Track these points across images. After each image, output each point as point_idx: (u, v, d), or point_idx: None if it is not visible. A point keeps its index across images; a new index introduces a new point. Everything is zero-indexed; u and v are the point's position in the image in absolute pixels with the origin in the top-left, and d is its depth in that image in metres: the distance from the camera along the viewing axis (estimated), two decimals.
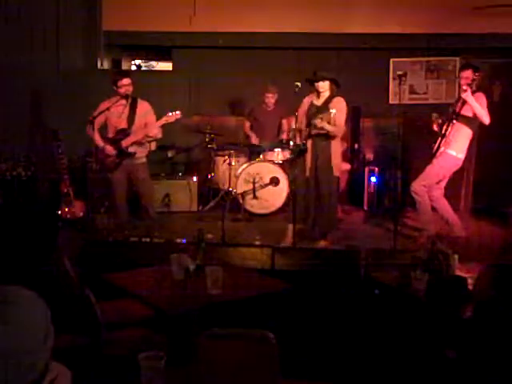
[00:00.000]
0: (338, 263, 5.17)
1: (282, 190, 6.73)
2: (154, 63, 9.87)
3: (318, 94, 5.43)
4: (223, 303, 3.13)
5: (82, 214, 5.94)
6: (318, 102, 5.42)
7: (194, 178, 7.25)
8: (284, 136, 6.96)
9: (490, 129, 5.47)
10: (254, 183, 6.75)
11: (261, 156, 6.94)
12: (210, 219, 6.47)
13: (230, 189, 6.77)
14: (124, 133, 5.53)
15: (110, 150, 5.55)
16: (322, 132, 5.27)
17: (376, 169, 7.38)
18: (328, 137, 5.32)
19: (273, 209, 6.75)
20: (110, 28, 8.01)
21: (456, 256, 3.54)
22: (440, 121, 5.62)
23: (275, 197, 6.68)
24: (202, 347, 2.23)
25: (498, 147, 6.81)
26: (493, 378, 2.63)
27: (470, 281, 3.25)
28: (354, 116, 7.76)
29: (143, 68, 9.66)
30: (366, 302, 4.00)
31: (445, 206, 5.66)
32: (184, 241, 5.38)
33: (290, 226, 5.48)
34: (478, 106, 5.28)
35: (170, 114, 5.44)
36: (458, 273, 3.48)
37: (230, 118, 8.13)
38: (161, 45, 8.37)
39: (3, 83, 6.92)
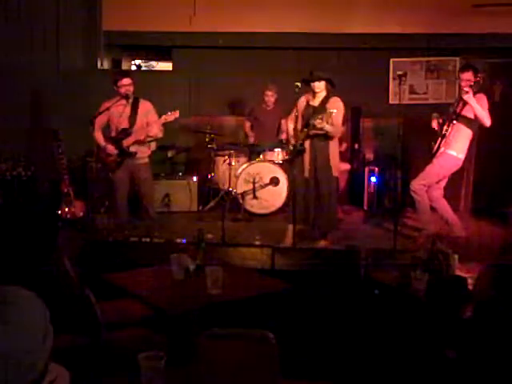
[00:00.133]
0: (338, 263, 5.17)
1: (282, 190, 6.73)
2: (154, 63, 9.88)
3: (314, 94, 5.42)
4: (223, 303, 3.13)
5: (82, 213, 5.94)
6: (315, 102, 5.41)
7: (194, 178, 7.25)
8: (283, 136, 6.96)
9: (490, 129, 5.46)
10: (254, 183, 6.75)
11: (261, 156, 6.94)
12: (210, 219, 6.47)
13: (230, 189, 6.77)
14: (125, 132, 5.53)
15: (111, 149, 5.56)
16: (320, 132, 5.25)
17: (376, 169, 7.38)
18: (326, 137, 5.31)
19: (273, 209, 6.75)
20: (110, 28, 8.01)
21: (456, 256, 3.54)
22: (440, 121, 5.62)
23: (275, 197, 6.68)
24: (202, 347, 2.23)
25: (497, 147, 6.80)
26: (493, 378, 2.63)
27: (470, 281, 3.25)
28: (353, 116, 7.76)
29: (143, 68, 9.66)
30: (365, 302, 4.00)
31: (444, 207, 5.66)
32: (184, 241, 5.38)
33: (290, 226, 5.47)
34: (479, 108, 5.27)
35: (169, 113, 5.45)
36: (458, 273, 3.48)
37: (229, 118, 8.13)
38: (161, 45, 8.37)
39: (3, 83, 6.92)
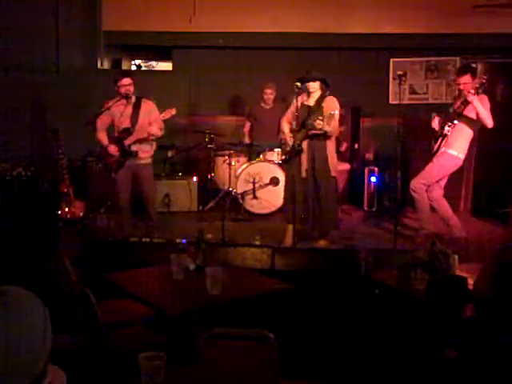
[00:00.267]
0: (338, 263, 5.17)
1: (282, 190, 6.71)
2: (154, 63, 9.88)
3: (309, 93, 5.40)
4: (223, 303, 3.13)
5: (81, 213, 5.94)
6: (310, 102, 5.38)
7: (194, 178, 7.25)
8: (283, 136, 6.95)
9: (490, 129, 5.46)
10: (253, 183, 6.76)
11: (261, 156, 6.94)
12: (210, 219, 6.48)
13: (230, 189, 6.77)
14: (127, 132, 5.54)
15: (112, 149, 5.56)
16: (319, 132, 5.24)
17: (376, 169, 7.38)
18: (324, 137, 5.30)
19: (273, 209, 6.75)
20: (110, 28, 8.01)
21: (456, 256, 3.53)
22: (441, 120, 5.62)
23: (275, 197, 6.68)
24: (202, 347, 2.23)
25: (498, 147, 6.80)
26: (493, 378, 2.63)
27: (470, 281, 3.25)
28: (353, 116, 7.76)
29: (143, 68, 9.66)
30: (366, 302, 4.00)
31: (444, 207, 5.66)
32: (184, 241, 5.37)
33: (290, 226, 5.47)
34: (482, 110, 5.28)
35: (166, 111, 5.47)
36: (458, 273, 3.48)
37: (229, 118, 8.13)
38: (161, 45, 8.37)
39: (3, 83, 6.92)
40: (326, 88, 5.42)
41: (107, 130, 5.68)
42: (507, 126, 6.29)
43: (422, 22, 7.62)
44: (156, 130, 5.52)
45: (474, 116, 5.39)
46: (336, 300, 4.36)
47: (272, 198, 6.72)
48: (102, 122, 5.62)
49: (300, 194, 5.32)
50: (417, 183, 5.60)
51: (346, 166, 6.90)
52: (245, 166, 6.87)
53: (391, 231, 5.47)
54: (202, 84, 8.13)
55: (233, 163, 6.80)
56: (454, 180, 6.02)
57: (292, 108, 5.53)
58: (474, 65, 6.80)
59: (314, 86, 5.36)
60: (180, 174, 7.43)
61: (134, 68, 9.47)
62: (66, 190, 5.94)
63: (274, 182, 6.73)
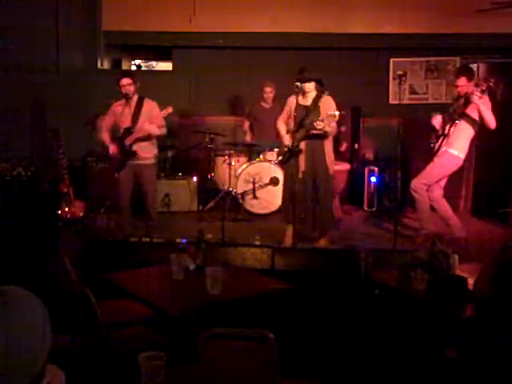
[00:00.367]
0: (338, 263, 5.17)
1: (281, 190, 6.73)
2: (153, 63, 9.88)
3: (304, 93, 5.38)
4: (223, 303, 3.13)
5: (81, 213, 5.94)
6: (306, 102, 5.34)
7: (194, 178, 7.25)
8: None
9: (490, 129, 5.47)
10: (253, 183, 6.76)
11: (261, 156, 6.94)
12: (210, 219, 6.48)
13: (230, 189, 6.77)
14: (128, 132, 5.54)
15: (114, 148, 5.57)
16: (320, 133, 5.23)
17: (376, 169, 7.38)
18: (321, 136, 5.29)
19: (273, 209, 6.75)
20: (110, 28, 8.01)
21: (456, 256, 3.53)
22: (443, 119, 5.62)
23: (275, 197, 6.68)
24: (202, 347, 2.23)
25: (498, 147, 6.80)
26: (493, 378, 2.63)
27: (470, 281, 3.25)
28: (353, 116, 7.76)
29: (143, 68, 9.67)
30: (366, 302, 4.00)
31: (445, 207, 5.66)
32: (184, 241, 5.37)
33: (290, 227, 5.47)
34: (487, 113, 5.28)
35: (163, 110, 5.47)
36: (458, 273, 3.48)
37: (229, 118, 8.13)
38: (161, 45, 8.38)
39: (3, 83, 6.91)
40: (321, 87, 5.39)
41: (111, 130, 5.70)
42: (507, 126, 6.29)
43: (421, 22, 7.63)
44: (154, 128, 5.50)
45: (476, 116, 5.39)
46: (336, 300, 4.36)
47: (272, 198, 6.72)
48: (105, 122, 5.66)
49: (299, 195, 5.31)
50: (417, 183, 5.60)
51: (346, 166, 6.90)
52: (245, 165, 6.87)
53: (391, 231, 5.47)
54: (202, 84, 8.13)
55: (233, 163, 6.80)
56: (454, 180, 6.02)
57: (287, 108, 5.51)
58: (474, 65, 6.80)
59: (310, 87, 5.33)
60: (180, 174, 7.43)
61: (134, 68, 9.47)
62: (66, 190, 5.94)
63: (274, 181, 6.73)
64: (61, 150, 5.97)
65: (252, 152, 7.12)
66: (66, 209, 5.93)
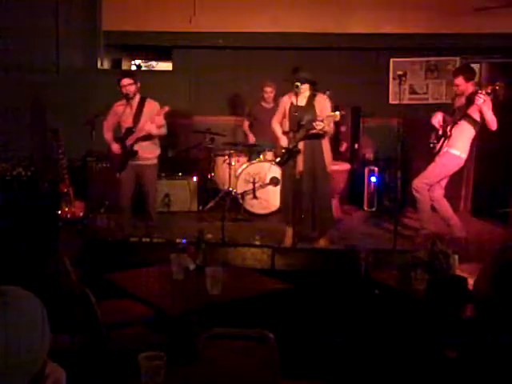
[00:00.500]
0: (338, 263, 5.17)
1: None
2: (153, 63, 9.88)
3: (297, 93, 5.33)
4: (223, 303, 3.13)
5: (81, 213, 5.94)
6: (301, 102, 5.27)
7: (194, 178, 7.25)
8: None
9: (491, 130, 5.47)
10: (254, 183, 6.76)
11: (261, 156, 6.94)
12: (210, 219, 6.48)
13: (230, 189, 6.77)
14: (129, 132, 5.54)
15: (115, 148, 5.58)
16: (320, 133, 5.22)
17: (376, 169, 7.38)
18: (320, 136, 5.28)
19: (273, 209, 6.75)
20: (110, 28, 8.01)
21: (456, 256, 3.53)
22: (443, 118, 5.61)
23: (275, 197, 6.67)
24: (202, 347, 2.23)
25: (498, 147, 6.80)
26: (493, 378, 2.63)
27: (470, 281, 3.25)
28: (353, 116, 7.76)
29: (143, 68, 9.67)
30: (366, 302, 4.00)
31: (445, 207, 5.66)
32: (184, 241, 5.37)
33: (290, 227, 5.47)
34: (490, 115, 5.28)
35: (161, 109, 5.47)
36: (458, 273, 3.48)
37: (229, 118, 8.13)
38: (161, 45, 8.37)
39: (3, 83, 6.91)
40: (314, 86, 5.37)
41: (114, 130, 5.70)
42: (507, 127, 6.29)
43: (421, 22, 7.62)
44: (153, 128, 5.48)
45: (477, 117, 5.40)
46: (336, 300, 4.36)
47: (272, 198, 6.72)
48: (108, 122, 5.67)
49: (298, 195, 5.29)
50: (419, 183, 5.60)
51: (346, 166, 6.90)
52: (245, 165, 6.87)
53: (391, 231, 5.47)
54: (202, 84, 8.13)
55: (233, 163, 6.80)
56: (454, 180, 6.02)
57: (281, 109, 5.49)
58: (476, 65, 6.79)
59: (304, 87, 5.32)
60: (180, 174, 7.44)
61: (134, 68, 9.47)
62: (66, 190, 5.94)
63: (274, 181, 6.73)
64: (61, 150, 5.97)
65: (252, 152, 7.12)
66: (66, 209, 5.93)
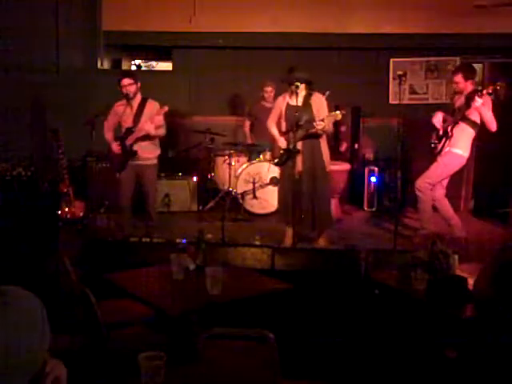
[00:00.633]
0: (338, 263, 5.17)
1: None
2: (154, 63, 9.88)
3: (292, 93, 5.29)
4: (223, 303, 3.13)
5: (81, 213, 5.94)
6: (297, 102, 5.20)
7: (194, 178, 7.25)
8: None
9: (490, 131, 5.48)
10: (254, 183, 6.75)
11: (261, 156, 6.93)
12: (210, 219, 6.47)
13: (230, 189, 6.77)
14: (129, 132, 5.54)
15: (115, 147, 5.58)
16: (320, 132, 5.22)
17: (376, 169, 7.38)
18: (318, 136, 5.28)
19: (273, 209, 6.74)
20: (110, 28, 8.01)
21: (456, 256, 3.54)
22: (444, 118, 5.61)
23: (275, 197, 6.66)
24: (202, 347, 2.23)
25: (498, 147, 6.80)
26: (493, 378, 2.63)
27: (470, 281, 3.25)
28: (353, 116, 7.76)
29: (143, 68, 9.67)
30: (366, 302, 4.00)
31: (446, 206, 5.66)
32: (184, 241, 5.37)
33: (289, 227, 5.46)
34: (488, 116, 5.28)
35: (160, 109, 5.47)
36: (458, 273, 3.48)
37: (229, 118, 8.13)
38: (161, 45, 8.38)
39: (3, 83, 6.92)
40: (310, 85, 5.35)
41: (115, 130, 5.70)
42: (507, 127, 6.29)
43: (421, 22, 7.63)
44: (152, 128, 5.46)
45: (476, 118, 5.40)
46: (336, 300, 4.36)
47: (272, 198, 6.71)
48: (108, 122, 5.67)
49: (298, 195, 5.28)
50: (422, 183, 5.59)
51: (346, 166, 6.89)
52: (245, 165, 6.87)
53: (391, 231, 5.47)
54: (202, 84, 8.13)
55: (233, 163, 6.80)
56: (454, 180, 6.03)
57: (277, 110, 5.47)
58: (479, 65, 6.78)
59: (301, 86, 5.30)
60: (180, 174, 7.44)
61: (134, 68, 9.47)
62: (65, 190, 5.94)
63: (274, 181, 6.72)
64: (61, 150, 5.97)
65: (252, 152, 7.12)
66: (66, 209, 5.93)
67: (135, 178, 5.66)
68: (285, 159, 5.36)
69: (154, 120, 5.46)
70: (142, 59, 9.68)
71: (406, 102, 7.58)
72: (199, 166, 7.58)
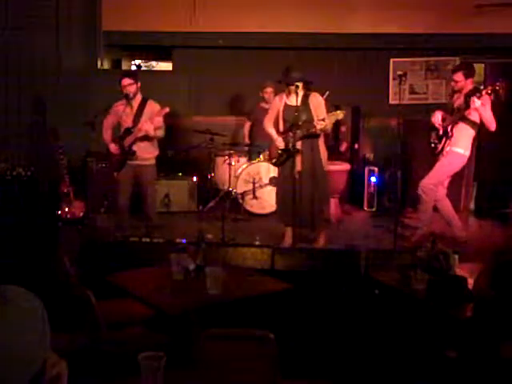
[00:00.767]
0: (338, 263, 5.17)
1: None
2: (154, 63, 9.88)
3: (290, 93, 5.28)
4: (223, 303, 3.13)
5: (81, 214, 5.95)
6: (295, 102, 5.17)
7: (194, 178, 7.25)
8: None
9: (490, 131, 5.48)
10: (253, 183, 6.75)
11: (261, 156, 6.93)
12: (210, 219, 6.47)
13: (230, 189, 6.76)
14: (128, 132, 5.54)
15: (113, 148, 5.57)
16: (316, 132, 5.21)
17: (376, 169, 7.38)
18: (317, 136, 5.27)
19: (272, 209, 6.73)
20: (110, 28, 8.00)
21: (456, 256, 3.54)
22: (443, 118, 5.61)
23: (275, 197, 6.67)
24: (202, 347, 2.23)
25: (498, 147, 6.81)
26: (493, 378, 2.63)
27: (470, 281, 3.25)
28: (354, 116, 7.76)
29: (143, 68, 9.66)
30: (366, 302, 4.00)
31: (448, 207, 5.66)
32: (184, 241, 5.38)
33: (289, 227, 5.46)
34: (488, 116, 5.28)
35: (161, 110, 5.47)
36: (458, 273, 3.48)
37: (230, 118, 8.13)
38: (161, 45, 8.37)
39: (3, 83, 6.92)
40: (308, 85, 5.34)
41: (113, 129, 5.69)
42: (508, 126, 6.29)
43: (421, 22, 7.62)
44: (151, 129, 5.46)
45: (476, 118, 5.40)
46: (336, 300, 4.36)
47: (272, 198, 6.69)
48: (107, 121, 5.66)
49: (298, 195, 5.26)
50: (427, 184, 5.58)
51: (346, 166, 6.89)
52: (245, 165, 6.87)
53: (391, 231, 5.47)
54: (202, 84, 8.12)
55: (233, 163, 6.79)
56: (455, 180, 6.02)
57: (274, 110, 5.46)
58: (481, 65, 6.77)
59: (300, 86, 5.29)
60: (180, 174, 7.43)
61: (134, 68, 9.46)
62: (66, 190, 5.94)
63: (274, 182, 6.71)
64: (61, 150, 5.98)
65: (252, 152, 7.12)
66: (66, 209, 5.93)
67: (133, 178, 5.65)
68: (283, 159, 5.35)
69: (153, 121, 5.46)
70: (142, 59, 9.67)
71: (405, 102, 7.58)
72: (199, 166, 7.57)
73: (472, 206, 7.25)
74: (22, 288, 1.24)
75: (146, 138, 5.54)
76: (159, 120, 5.49)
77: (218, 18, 7.82)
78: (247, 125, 7.44)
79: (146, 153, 5.61)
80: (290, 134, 5.23)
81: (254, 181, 6.75)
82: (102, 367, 2.74)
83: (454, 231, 5.57)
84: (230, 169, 6.70)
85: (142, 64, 9.71)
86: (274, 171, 6.71)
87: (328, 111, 5.27)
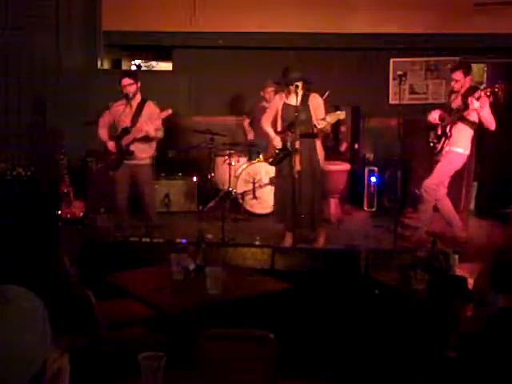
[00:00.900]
0: (337, 263, 5.17)
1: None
2: (154, 63, 9.88)
3: (290, 93, 5.29)
4: (223, 303, 3.13)
5: (81, 214, 5.95)
6: (295, 102, 5.16)
7: (194, 178, 7.25)
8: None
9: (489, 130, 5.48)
10: (253, 183, 6.75)
11: (260, 156, 6.93)
12: (210, 219, 6.47)
13: (230, 189, 6.76)
14: (126, 132, 5.54)
15: (111, 146, 5.57)
16: (314, 132, 5.21)
17: (376, 169, 7.38)
18: (315, 136, 5.27)
19: (272, 209, 6.74)
20: (110, 28, 8.00)
21: (456, 256, 3.54)
22: (441, 117, 5.61)
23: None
24: (202, 347, 2.23)
25: (498, 147, 6.80)
26: (493, 378, 2.63)
27: (470, 281, 3.25)
28: (354, 116, 7.76)
29: (143, 68, 9.66)
30: (366, 302, 4.00)
31: (448, 207, 5.66)
32: (184, 241, 5.38)
33: (289, 227, 5.46)
34: (487, 116, 5.29)
35: (163, 112, 5.48)
36: (458, 273, 3.48)
37: (230, 118, 8.13)
38: (161, 45, 8.37)
39: (3, 83, 6.92)
40: (307, 85, 5.33)
41: (109, 128, 5.69)
42: (508, 126, 6.29)
43: (421, 22, 7.62)
44: (151, 129, 5.46)
45: (475, 119, 5.41)
46: (336, 300, 4.36)
47: (272, 198, 6.71)
48: (103, 119, 5.66)
49: (296, 195, 5.25)
50: (430, 184, 5.59)
51: (346, 166, 6.89)
52: (245, 166, 6.87)
53: (391, 231, 5.47)
54: (202, 84, 8.12)
55: (233, 163, 6.79)
56: (455, 180, 6.02)
57: (272, 109, 5.46)
58: (481, 65, 6.77)
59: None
60: (180, 174, 7.43)
61: (134, 68, 9.46)
62: (66, 190, 5.94)
63: (274, 181, 6.72)
64: (61, 150, 5.98)
65: (252, 152, 7.12)
66: (66, 209, 5.93)
67: (130, 178, 5.65)
68: (280, 159, 5.35)
69: (153, 122, 5.47)
70: (142, 59, 9.67)
71: (405, 102, 7.58)
72: (199, 166, 7.57)
73: (472, 205, 7.25)
74: (23, 288, 1.24)
75: (146, 138, 5.54)
76: (158, 122, 5.50)
77: (218, 17, 7.82)
78: (246, 120, 7.45)
79: (143, 152, 5.61)
80: (288, 133, 5.23)
81: (254, 181, 6.75)
82: (102, 367, 2.74)
83: (454, 231, 5.57)
84: (230, 169, 6.70)
85: (141, 64, 9.70)
86: (273, 171, 6.72)
87: (328, 111, 5.26)
